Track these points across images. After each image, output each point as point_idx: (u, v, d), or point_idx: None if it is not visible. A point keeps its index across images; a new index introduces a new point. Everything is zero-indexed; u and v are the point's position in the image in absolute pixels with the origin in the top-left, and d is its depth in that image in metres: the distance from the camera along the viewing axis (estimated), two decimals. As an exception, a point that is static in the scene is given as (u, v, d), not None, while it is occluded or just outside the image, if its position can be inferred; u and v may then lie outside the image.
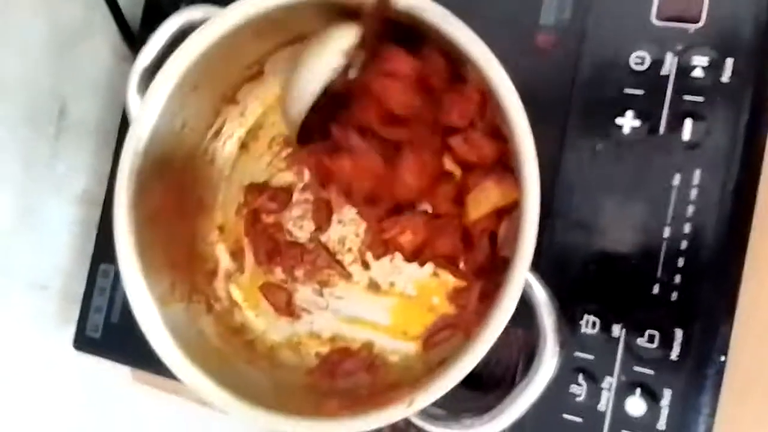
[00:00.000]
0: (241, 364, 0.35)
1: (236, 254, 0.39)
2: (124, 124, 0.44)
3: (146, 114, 0.33)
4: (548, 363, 0.28)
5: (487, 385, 0.36)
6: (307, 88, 0.31)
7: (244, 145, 0.40)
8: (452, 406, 0.31)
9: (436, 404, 0.29)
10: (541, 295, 0.28)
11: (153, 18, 0.43)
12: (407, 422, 0.31)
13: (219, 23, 0.32)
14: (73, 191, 0.45)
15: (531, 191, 0.27)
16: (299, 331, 0.38)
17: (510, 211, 0.32)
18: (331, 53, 0.31)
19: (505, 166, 0.33)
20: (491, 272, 0.33)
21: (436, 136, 0.34)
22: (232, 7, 0.31)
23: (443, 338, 0.34)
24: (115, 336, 0.42)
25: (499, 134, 0.32)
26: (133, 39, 0.45)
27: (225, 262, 0.39)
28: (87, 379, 0.48)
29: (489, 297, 0.30)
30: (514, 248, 0.28)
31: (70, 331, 0.44)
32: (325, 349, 0.37)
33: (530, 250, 0.27)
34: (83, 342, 0.43)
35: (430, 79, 0.33)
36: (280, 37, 0.36)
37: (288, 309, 0.38)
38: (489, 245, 0.33)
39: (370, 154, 0.33)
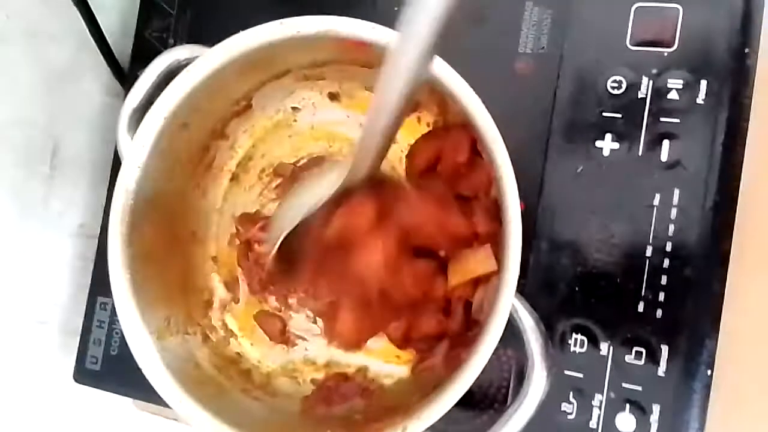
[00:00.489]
0: (237, 394, 0.36)
1: (230, 284, 0.40)
2: (117, 159, 0.44)
3: (136, 153, 0.33)
4: (537, 386, 0.29)
5: (480, 405, 0.37)
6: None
7: (234, 177, 0.41)
8: (446, 427, 0.32)
9: (430, 426, 0.30)
10: (527, 321, 0.29)
11: (143, 55, 0.44)
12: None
13: (205, 62, 0.33)
14: (70, 226, 0.45)
15: (513, 218, 0.28)
16: (294, 359, 0.38)
17: (486, 279, 0.32)
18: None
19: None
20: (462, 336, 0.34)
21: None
22: (217, 47, 0.32)
23: (428, 368, 0.34)
24: (115, 368, 0.43)
25: (497, 216, 0.32)
26: (124, 76, 0.46)
27: (220, 292, 0.40)
28: (89, 411, 0.48)
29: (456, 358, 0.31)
30: (489, 312, 0.29)
31: (71, 363, 0.44)
32: (320, 375, 0.38)
33: (515, 277, 0.28)
34: (83, 374, 0.44)
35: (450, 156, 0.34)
36: (266, 73, 0.37)
37: (282, 337, 0.39)
38: (463, 313, 0.34)
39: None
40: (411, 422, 0.29)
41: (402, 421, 0.29)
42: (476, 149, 0.33)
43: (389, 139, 0.26)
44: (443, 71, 0.29)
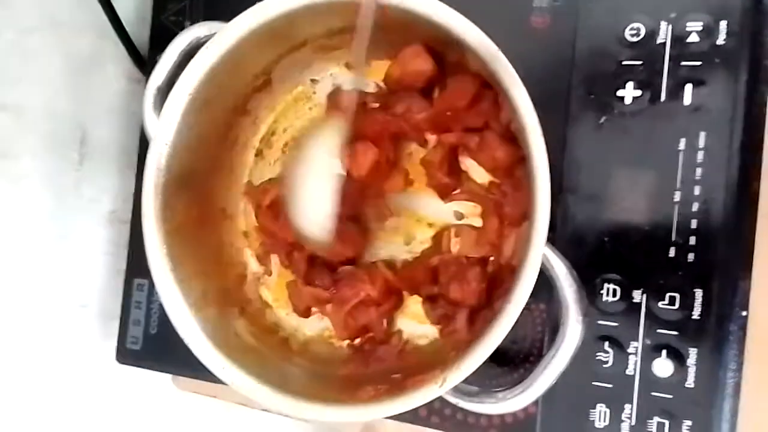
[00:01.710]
0: (277, 361, 0.36)
1: (262, 257, 0.41)
2: (143, 144, 0.45)
3: (164, 131, 0.34)
4: (573, 333, 0.29)
5: (515, 362, 0.37)
6: (320, 209, 0.33)
7: (258, 153, 0.41)
8: (483, 383, 0.32)
9: (468, 381, 0.30)
10: (559, 268, 0.29)
11: (160, 40, 0.45)
12: (442, 401, 0.32)
13: (224, 37, 0.33)
14: (102, 213, 0.47)
15: (540, 165, 0.28)
16: (329, 325, 0.39)
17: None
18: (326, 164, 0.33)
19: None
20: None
21: None
22: (235, 20, 0.33)
23: (452, 332, 0.35)
24: (155, 346, 0.44)
25: (514, 139, 0.33)
26: (144, 62, 0.46)
27: (252, 266, 0.41)
28: (129, 392, 0.50)
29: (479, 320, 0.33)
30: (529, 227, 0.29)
31: (111, 345, 0.46)
32: (356, 341, 0.38)
33: (545, 224, 0.28)
34: (125, 355, 0.45)
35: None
36: (284, 46, 0.37)
37: (307, 312, 0.39)
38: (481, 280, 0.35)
39: None
40: (451, 373, 0.29)
41: (441, 373, 0.30)
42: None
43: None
44: (461, 23, 0.29)
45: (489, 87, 0.33)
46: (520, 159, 0.33)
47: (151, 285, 0.44)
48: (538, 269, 0.28)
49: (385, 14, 0.33)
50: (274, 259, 0.40)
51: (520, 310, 0.28)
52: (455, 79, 0.35)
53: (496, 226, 0.35)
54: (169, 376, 0.49)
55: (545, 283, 0.30)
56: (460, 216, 0.37)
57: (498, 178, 0.36)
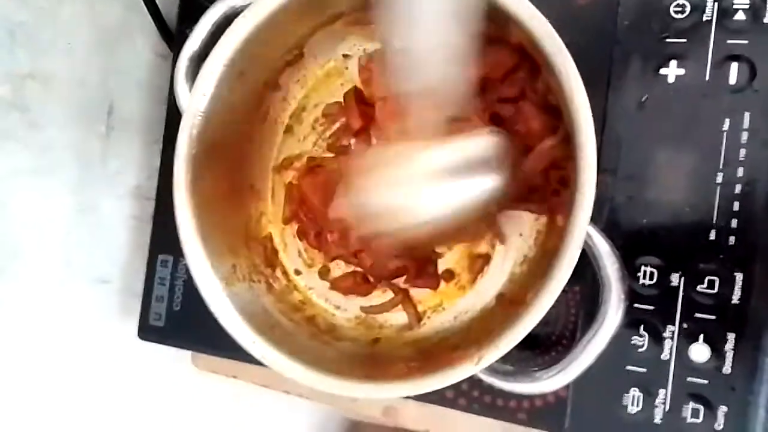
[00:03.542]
0: (306, 339, 0.36)
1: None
2: (169, 119, 0.45)
3: (198, 101, 0.33)
4: (614, 313, 0.28)
5: (546, 344, 0.36)
6: None
7: (288, 129, 0.41)
8: (513, 366, 0.32)
9: (503, 361, 0.30)
10: (602, 247, 0.29)
11: (189, 14, 0.44)
12: (470, 382, 0.31)
13: (261, 6, 0.32)
14: (126, 187, 0.46)
15: (586, 138, 0.27)
16: (359, 313, 0.39)
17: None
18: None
19: None
20: None
21: None
22: (272, -11, 0.32)
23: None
24: (179, 323, 0.44)
25: (550, 109, 0.32)
26: (171, 36, 0.46)
27: (278, 242, 0.40)
28: (150, 369, 0.50)
29: None
30: (572, 203, 0.28)
31: (131, 322, 0.45)
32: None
33: (590, 202, 0.27)
34: (147, 331, 0.44)
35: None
36: (319, 18, 0.36)
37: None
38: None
39: None
40: (488, 351, 0.29)
41: (477, 351, 0.29)
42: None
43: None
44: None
45: (525, 57, 0.33)
46: (555, 128, 0.32)
47: (176, 261, 0.44)
48: (581, 246, 0.28)
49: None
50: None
51: (562, 288, 0.28)
52: (492, 50, 0.34)
53: None
54: (188, 355, 0.49)
55: (579, 264, 0.30)
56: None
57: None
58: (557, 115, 0.31)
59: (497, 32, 0.33)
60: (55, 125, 0.40)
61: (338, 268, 0.39)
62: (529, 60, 0.32)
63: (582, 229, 0.27)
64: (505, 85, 0.34)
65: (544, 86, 0.33)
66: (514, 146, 0.32)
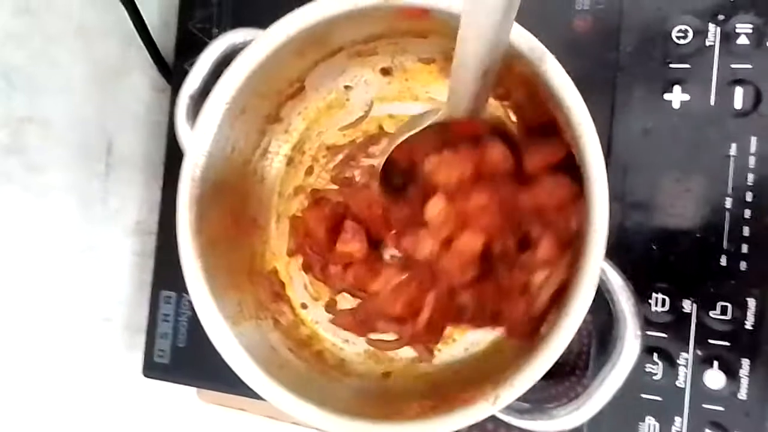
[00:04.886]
0: (315, 376, 0.35)
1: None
2: (169, 154, 0.44)
3: (200, 140, 0.33)
4: (631, 347, 0.28)
5: (561, 375, 0.36)
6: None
7: (290, 161, 0.40)
8: (527, 397, 0.31)
9: (519, 397, 0.29)
10: (616, 280, 0.28)
11: (187, 47, 0.44)
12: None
13: (263, 44, 0.32)
14: (127, 223, 0.46)
15: (598, 176, 0.27)
16: (367, 347, 0.38)
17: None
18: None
19: None
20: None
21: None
22: (274, 26, 0.32)
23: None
24: (184, 360, 0.43)
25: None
26: (169, 71, 0.45)
27: (284, 277, 0.40)
28: (155, 406, 0.49)
29: None
30: (584, 238, 0.28)
31: (135, 358, 0.45)
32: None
33: (603, 237, 0.27)
34: (152, 368, 0.44)
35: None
36: (320, 52, 0.36)
37: None
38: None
39: None
40: (504, 390, 0.28)
41: (493, 390, 0.29)
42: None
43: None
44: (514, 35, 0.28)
45: None
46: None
47: (179, 297, 0.44)
48: (596, 283, 0.27)
49: (426, 18, 0.32)
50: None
51: (578, 325, 0.27)
52: None
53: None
54: (193, 389, 0.49)
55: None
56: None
57: None
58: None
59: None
60: (55, 167, 0.39)
61: (345, 301, 0.39)
62: None
63: (596, 265, 0.27)
64: None
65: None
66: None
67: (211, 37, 0.43)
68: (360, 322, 0.37)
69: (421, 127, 0.32)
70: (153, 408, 0.49)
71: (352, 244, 0.37)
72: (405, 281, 0.34)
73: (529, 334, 0.31)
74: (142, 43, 0.42)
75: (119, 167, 0.44)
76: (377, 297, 0.35)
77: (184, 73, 0.36)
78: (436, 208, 0.32)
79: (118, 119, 0.44)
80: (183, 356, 0.43)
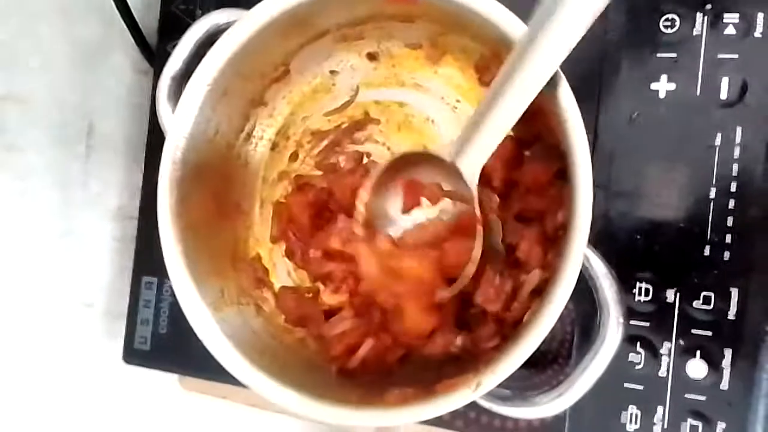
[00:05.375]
0: (297, 362, 0.35)
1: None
2: (151, 138, 0.44)
3: (181, 122, 0.33)
4: (613, 335, 0.28)
5: (543, 364, 0.36)
6: None
7: (275, 146, 0.40)
8: (509, 384, 0.31)
9: (501, 384, 0.29)
10: (599, 267, 0.28)
11: (169, 30, 0.43)
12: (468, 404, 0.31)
13: (246, 24, 0.32)
14: (108, 207, 0.45)
15: (581, 160, 0.27)
16: (348, 327, 0.38)
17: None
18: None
19: None
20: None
21: None
22: (257, 7, 0.31)
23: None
24: (165, 346, 0.43)
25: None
26: (151, 52, 0.45)
27: (267, 262, 0.39)
28: (135, 393, 0.48)
29: None
30: (568, 225, 0.28)
31: (116, 345, 0.44)
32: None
33: (587, 224, 0.27)
34: (133, 355, 0.43)
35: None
36: (305, 35, 0.35)
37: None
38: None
39: None
40: (485, 377, 0.28)
41: (475, 377, 0.28)
42: None
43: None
44: (504, 23, 0.28)
45: None
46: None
47: (160, 283, 0.43)
48: (579, 269, 0.27)
49: (414, 2, 0.32)
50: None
51: (560, 312, 0.27)
52: None
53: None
54: (176, 376, 0.48)
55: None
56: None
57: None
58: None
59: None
60: (34, 148, 0.39)
61: (327, 288, 0.38)
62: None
63: (580, 252, 0.27)
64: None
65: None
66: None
67: (194, 18, 0.42)
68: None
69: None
70: (134, 395, 0.48)
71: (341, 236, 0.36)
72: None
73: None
74: (124, 24, 0.41)
75: (100, 150, 0.43)
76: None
77: (167, 55, 0.35)
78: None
79: (100, 101, 0.43)
80: (164, 343, 0.43)
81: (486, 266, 0.32)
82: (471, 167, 0.31)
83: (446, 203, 0.35)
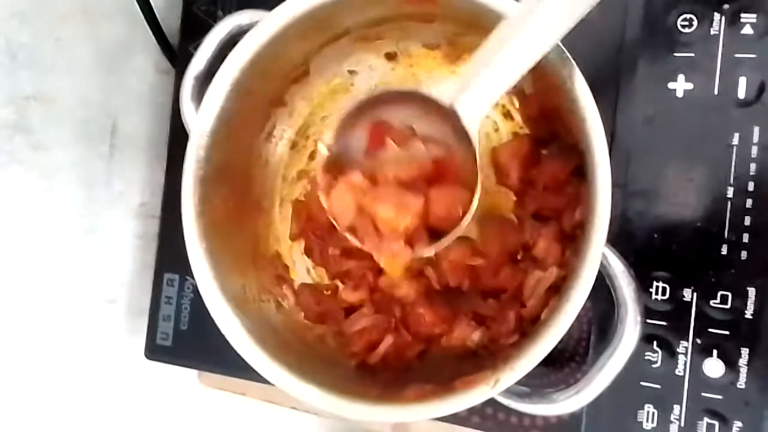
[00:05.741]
0: (317, 359, 0.36)
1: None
2: (173, 136, 0.44)
3: (205, 121, 0.33)
4: (630, 333, 0.28)
5: (561, 361, 0.36)
6: None
7: (294, 145, 0.40)
8: (527, 382, 0.31)
9: (518, 381, 0.30)
10: (617, 266, 0.28)
11: (191, 30, 0.44)
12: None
13: (268, 25, 0.32)
14: (131, 205, 0.46)
15: (600, 160, 0.27)
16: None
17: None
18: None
19: None
20: None
21: None
22: (280, 7, 0.32)
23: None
24: (186, 342, 0.43)
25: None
26: (174, 52, 0.45)
27: (287, 259, 0.40)
28: (157, 388, 0.49)
29: None
30: (586, 224, 0.28)
31: (139, 341, 0.45)
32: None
33: (605, 223, 0.27)
34: (155, 350, 0.44)
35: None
36: (325, 35, 0.36)
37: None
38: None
39: None
40: (503, 374, 0.28)
41: (493, 374, 0.29)
42: None
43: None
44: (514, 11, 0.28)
45: None
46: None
47: (182, 280, 0.44)
48: (598, 268, 0.27)
49: (432, 2, 0.32)
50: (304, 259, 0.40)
51: (579, 310, 0.28)
52: None
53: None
54: (194, 372, 0.49)
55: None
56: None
57: None
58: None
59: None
60: (59, 146, 0.39)
61: (347, 286, 0.39)
62: None
63: (598, 251, 0.27)
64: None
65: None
66: None
67: (216, 19, 0.43)
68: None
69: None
70: (154, 391, 0.49)
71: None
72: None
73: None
74: (146, 25, 0.42)
75: (123, 148, 0.44)
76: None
77: (189, 55, 0.36)
78: None
79: (123, 100, 0.44)
80: (185, 339, 0.44)
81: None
82: (471, 112, 0.29)
83: (418, 148, 0.32)
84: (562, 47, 0.28)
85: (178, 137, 0.42)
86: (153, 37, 0.43)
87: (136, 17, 0.42)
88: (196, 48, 0.35)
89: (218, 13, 0.43)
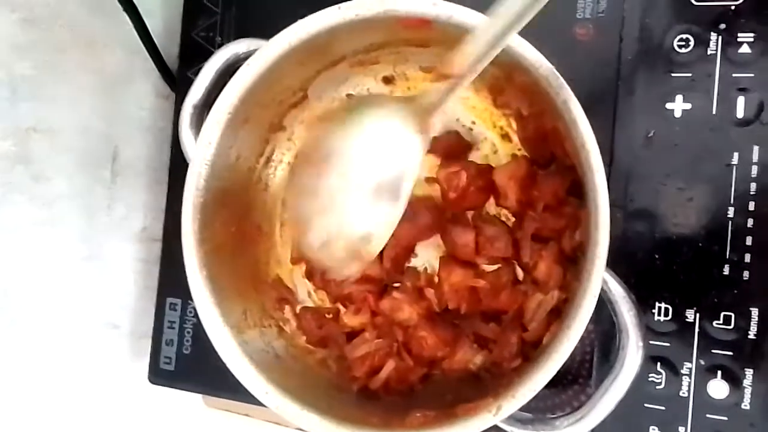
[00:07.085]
0: (319, 384, 0.36)
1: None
2: (174, 161, 0.45)
3: (203, 150, 0.33)
4: (633, 357, 0.28)
5: (563, 382, 0.36)
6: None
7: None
8: (530, 406, 0.31)
9: (521, 407, 0.30)
10: (618, 291, 0.28)
11: (191, 56, 0.44)
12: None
13: (266, 53, 0.32)
14: (133, 230, 0.46)
15: (599, 186, 0.27)
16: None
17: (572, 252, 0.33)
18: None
19: None
20: None
21: None
22: (277, 37, 0.32)
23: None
24: (189, 367, 0.43)
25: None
26: (173, 78, 0.46)
27: (289, 284, 0.40)
28: (160, 412, 0.49)
29: None
30: (586, 250, 0.28)
31: (141, 365, 0.45)
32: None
33: (605, 250, 0.27)
34: (158, 375, 0.44)
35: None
36: (323, 61, 0.36)
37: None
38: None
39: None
40: (505, 401, 0.28)
41: (495, 401, 0.29)
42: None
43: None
44: (517, 47, 0.28)
45: None
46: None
47: (184, 304, 0.44)
48: (598, 295, 0.27)
49: (428, 27, 0.32)
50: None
51: (579, 336, 0.27)
52: None
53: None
54: (199, 395, 0.49)
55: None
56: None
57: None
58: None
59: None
60: (60, 176, 0.40)
61: (348, 310, 0.39)
62: None
63: (598, 276, 0.27)
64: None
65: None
66: None
67: (214, 45, 0.43)
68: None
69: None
70: (159, 414, 0.49)
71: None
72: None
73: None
74: (146, 52, 0.42)
75: (125, 174, 0.44)
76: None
77: (188, 81, 0.36)
78: None
79: (123, 127, 0.44)
80: (188, 363, 0.44)
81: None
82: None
83: None
84: (557, 73, 0.28)
85: (178, 161, 0.42)
86: (152, 64, 0.44)
87: (135, 45, 0.42)
88: (195, 73, 0.36)
89: (216, 39, 0.43)
